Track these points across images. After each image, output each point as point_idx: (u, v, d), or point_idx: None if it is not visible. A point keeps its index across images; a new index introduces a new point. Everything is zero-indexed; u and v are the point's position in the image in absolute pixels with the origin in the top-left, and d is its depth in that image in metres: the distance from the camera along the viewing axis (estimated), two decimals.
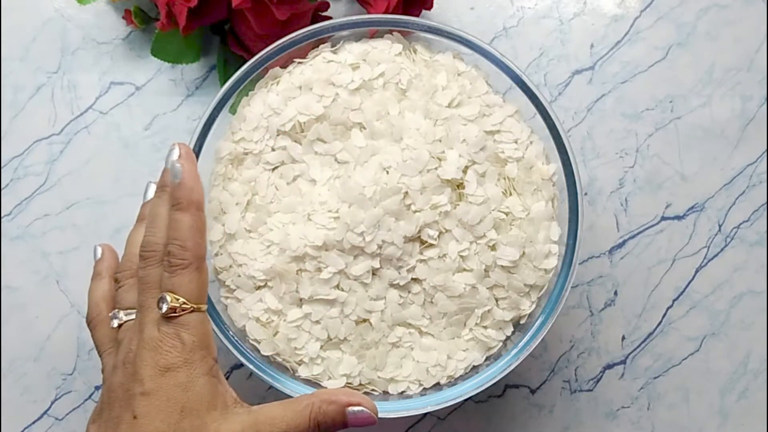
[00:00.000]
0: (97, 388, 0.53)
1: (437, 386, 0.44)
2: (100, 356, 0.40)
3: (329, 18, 0.51)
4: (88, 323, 0.41)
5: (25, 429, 0.52)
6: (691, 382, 0.53)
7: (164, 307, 0.36)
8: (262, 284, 0.44)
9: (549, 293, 0.44)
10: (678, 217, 0.54)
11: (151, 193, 0.42)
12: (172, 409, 0.35)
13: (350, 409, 0.38)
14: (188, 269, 0.37)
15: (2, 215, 0.53)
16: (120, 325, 0.39)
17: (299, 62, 0.45)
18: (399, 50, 0.45)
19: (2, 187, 0.53)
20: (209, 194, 0.45)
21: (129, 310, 0.39)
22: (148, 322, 0.37)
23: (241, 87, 0.45)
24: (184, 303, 0.37)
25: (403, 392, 0.44)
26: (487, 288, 0.43)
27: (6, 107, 0.54)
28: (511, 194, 0.44)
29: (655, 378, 0.53)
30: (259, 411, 0.37)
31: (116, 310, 0.40)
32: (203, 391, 0.36)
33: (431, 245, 0.43)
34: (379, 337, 0.43)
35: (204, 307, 0.38)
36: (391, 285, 0.43)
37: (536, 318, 0.44)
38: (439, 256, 0.43)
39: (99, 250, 0.44)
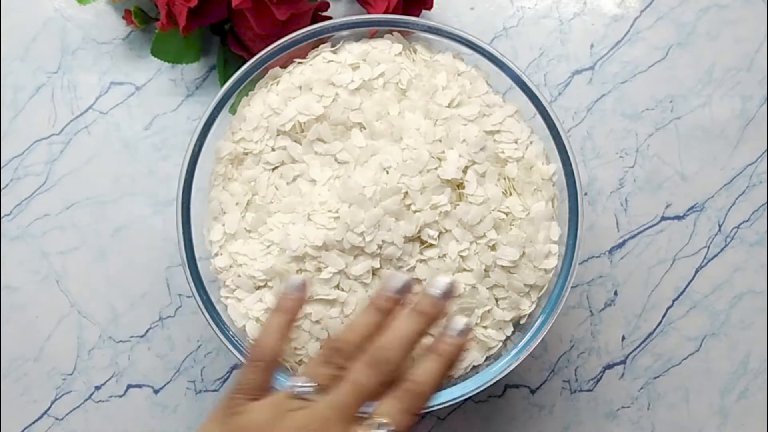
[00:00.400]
0: (97, 387, 0.53)
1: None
2: (235, 394, 0.37)
3: (329, 18, 0.51)
4: (257, 359, 0.38)
5: (25, 429, 0.52)
6: (691, 382, 0.53)
7: None
8: (262, 284, 0.44)
9: (549, 293, 0.44)
10: (678, 217, 0.54)
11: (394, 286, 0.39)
12: None
13: None
14: (418, 414, 0.37)
15: (2, 215, 0.53)
16: (300, 396, 0.37)
17: (299, 62, 0.45)
18: (399, 50, 0.45)
19: (2, 187, 0.53)
20: (209, 194, 0.45)
21: (321, 388, 0.37)
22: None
23: (241, 87, 0.45)
24: None
25: None
26: (487, 288, 0.43)
27: (6, 107, 0.54)
28: (511, 194, 0.44)
29: (655, 378, 0.53)
30: None
31: (309, 380, 0.37)
32: None
33: (431, 245, 0.43)
34: None
35: None
36: None
37: (536, 318, 0.44)
38: (439, 256, 0.43)
39: (298, 282, 0.41)
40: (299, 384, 0.37)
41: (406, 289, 0.39)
